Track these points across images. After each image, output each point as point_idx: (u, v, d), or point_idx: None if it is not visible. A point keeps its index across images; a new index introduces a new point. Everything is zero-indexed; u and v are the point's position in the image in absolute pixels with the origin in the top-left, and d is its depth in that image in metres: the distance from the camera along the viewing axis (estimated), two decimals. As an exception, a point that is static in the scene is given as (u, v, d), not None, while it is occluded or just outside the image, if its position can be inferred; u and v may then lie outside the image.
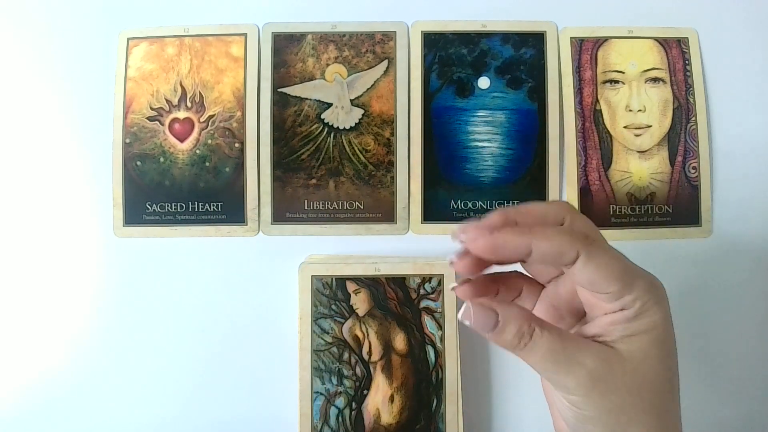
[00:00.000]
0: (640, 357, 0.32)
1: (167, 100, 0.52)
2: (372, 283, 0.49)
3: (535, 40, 0.53)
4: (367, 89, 0.52)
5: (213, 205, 0.52)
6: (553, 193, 0.52)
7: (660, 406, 0.33)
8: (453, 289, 0.35)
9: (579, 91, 0.52)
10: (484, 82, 0.52)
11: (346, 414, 0.49)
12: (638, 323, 0.33)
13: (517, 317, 0.32)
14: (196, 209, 0.52)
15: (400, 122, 0.52)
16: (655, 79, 0.52)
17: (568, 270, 0.33)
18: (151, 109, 0.52)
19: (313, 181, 0.52)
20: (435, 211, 0.52)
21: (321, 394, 0.49)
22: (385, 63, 0.52)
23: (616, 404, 0.32)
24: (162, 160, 0.52)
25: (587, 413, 0.33)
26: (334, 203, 0.52)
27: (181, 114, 0.52)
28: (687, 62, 0.53)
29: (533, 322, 0.32)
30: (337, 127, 0.52)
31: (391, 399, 0.49)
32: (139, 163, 0.52)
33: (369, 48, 0.53)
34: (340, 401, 0.49)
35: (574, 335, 0.33)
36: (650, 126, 0.52)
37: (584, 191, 0.52)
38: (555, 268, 0.36)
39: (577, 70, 0.53)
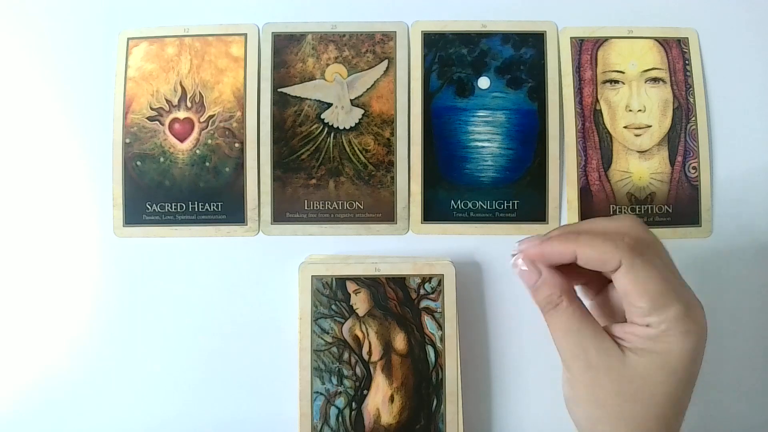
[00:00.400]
0: (642, 373, 0.35)
1: (167, 100, 0.52)
2: (372, 283, 0.49)
3: (535, 40, 0.53)
4: (367, 89, 0.52)
5: (213, 205, 0.52)
6: (553, 193, 0.52)
7: (642, 427, 0.35)
8: (515, 255, 0.38)
9: (579, 91, 0.52)
10: (484, 82, 0.53)
11: (346, 414, 0.49)
12: (655, 344, 0.35)
13: (553, 284, 0.36)
14: (196, 209, 0.52)
15: (400, 122, 0.52)
16: (655, 79, 0.52)
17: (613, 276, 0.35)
18: (151, 109, 0.52)
19: (313, 181, 0.52)
20: (435, 211, 0.52)
21: (321, 394, 0.49)
22: (385, 63, 0.52)
23: (599, 399, 0.35)
24: (162, 160, 0.52)
25: (574, 394, 0.37)
26: (334, 203, 0.52)
27: (181, 114, 0.52)
28: (687, 62, 0.53)
29: (564, 295, 0.36)
30: (337, 127, 0.52)
31: (391, 399, 0.49)
32: (139, 163, 0.52)
33: (369, 48, 0.53)
34: (340, 401, 0.49)
35: (596, 325, 0.36)
36: (650, 126, 0.52)
37: (584, 191, 0.52)
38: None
39: (577, 70, 0.53)
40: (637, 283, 0.35)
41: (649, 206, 0.52)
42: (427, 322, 0.49)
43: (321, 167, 0.52)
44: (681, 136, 0.52)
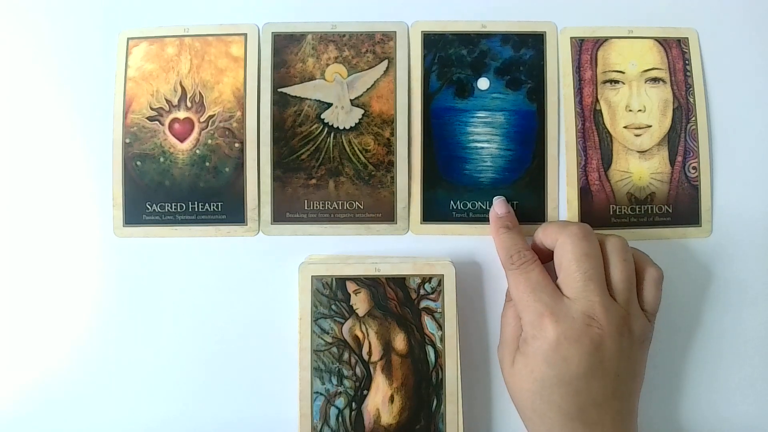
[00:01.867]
0: (517, 367, 0.45)
1: (167, 100, 0.52)
2: (372, 284, 0.49)
3: (535, 41, 0.53)
4: (367, 89, 0.52)
5: (213, 205, 0.52)
6: (552, 194, 0.52)
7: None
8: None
9: (579, 91, 0.52)
10: (483, 83, 0.53)
11: (346, 414, 0.49)
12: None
13: (523, 251, 0.46)
14: (196, 209, 0.52)
15: (400, 122, 0.52)
16: (655, 79, 0.52)
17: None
18: (151, 109, 0.52)
19: (313, 181, 0.52)
20: (434, 211, 0.52)
21: (321, 394, 0.49)
22: (385, 63, 0.52)
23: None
24: (162, 160, 0.52)
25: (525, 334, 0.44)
26: (334, 203, 0.52)
27: (181, 114, 0.52)
28: (687, 62, 0.53)
29: (529, 257, 0.46)
30: (337, 127, 0.52)
31: (391, 399, 0.49)
32: (139, 163, 0.52)
33: (369, 48, 0.53)
34: (340, 401, 0.49)
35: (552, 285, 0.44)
36: (650, 126, 0.52)
37: (584, 191, 0.52)
38: None
39: (577, 70, 0.53)
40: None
41: (649, 206, 0.52)
42: (427, 322, 0.49)
43: (321, 167, 0.52)
44: (681, 136, 0.52)
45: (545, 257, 0.47)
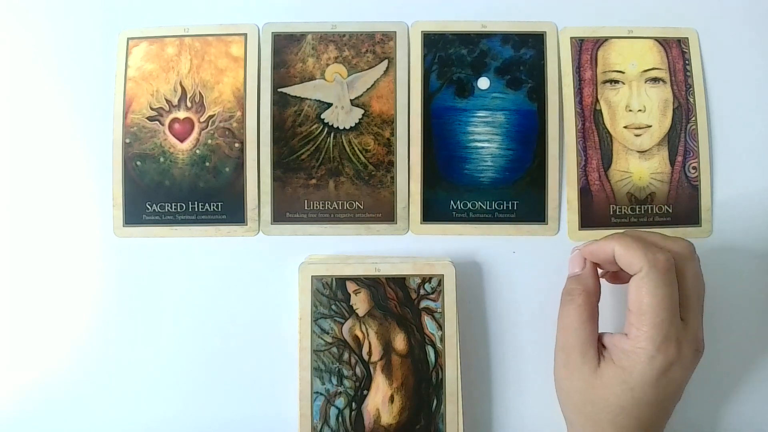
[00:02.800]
0: (605, 382, 0.40)
1: (167, 100, 0.52)
2: (372, 284, 0.49)
3: (535, 41, 0.53)
4: (367, 89, 0.52)
5: (213, 205, 0.52)
6: (552, 194, 0.52)
7: (596, 426, 0.41)
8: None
9: (579, 91, 0.52)
10: (483, 83, 0.53)
11: (346, 414, 0.49)
12: (624, 358, 0.40)
13: (579, 281, 0.43)
14: (196, 209, 0.52)
15: (400, 122, 0.52)
16: (655, 79, 0.52)
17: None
18: (151, 109, 0.52)
19: (313, 181, 0.52)
20: (434, 211, 0.52)
21: (321, 394, 0.49)
22: (385, 63, 0.52)
23: (568, 391, 0.43)
24: (162, 160, 0.52)
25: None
26: (334, 203, 0.52)
27: (181, 114, 0.52)
28: (687, 62, 0.53)
29: (583, 294, 0.43)
30: (337, 127, 0.52)
31: (391, 399, 0.49)
32: (139, 163, 0.52)
33: (369, 48, 0.53)
34: (340, 401, 0.49)
35: (592, 333, 0.42)
36: (650, 126, 0.52)
37: (584, 191, 0.52)
38: None
39: (577, 70, 0.53)
40: (639, 291, 0.39)
41: (649, 206, 0.52)
42: (427, 322, 0.49)
43: (321, 167, 0.52)
44: (681, 136, 0.52)
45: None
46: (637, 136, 0.52)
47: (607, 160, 0.52)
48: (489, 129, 0.52)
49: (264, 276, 0.51)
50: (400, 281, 0.50)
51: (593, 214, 0.51)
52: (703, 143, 0.52)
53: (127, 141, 0.52)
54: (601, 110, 0.52)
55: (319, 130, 0.52)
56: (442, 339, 0.49)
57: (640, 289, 0.39)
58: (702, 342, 0.42)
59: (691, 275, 0.41)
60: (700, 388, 0.51)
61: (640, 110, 0.52)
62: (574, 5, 0.53)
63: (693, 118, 0.52)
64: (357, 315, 0.49)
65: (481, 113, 0.52)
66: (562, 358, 0.43)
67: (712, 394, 0.51)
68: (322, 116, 0.52)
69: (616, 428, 0.41)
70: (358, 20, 0.53)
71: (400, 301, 0.49)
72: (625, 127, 0.52)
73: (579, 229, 0.51)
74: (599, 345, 0.42)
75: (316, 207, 0.52)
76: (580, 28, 0.53)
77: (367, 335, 0.49)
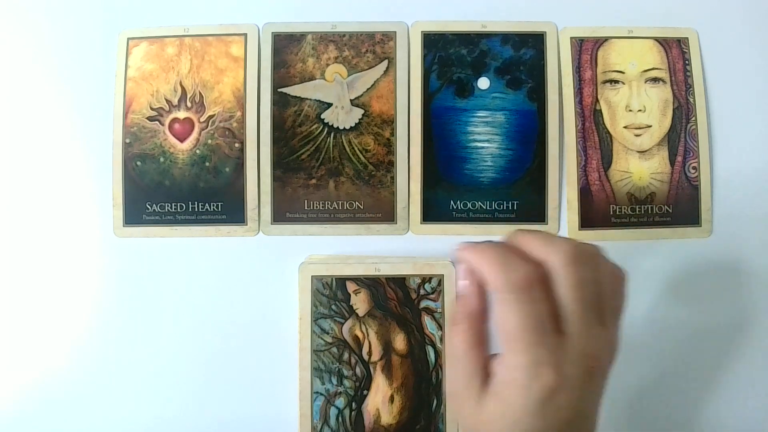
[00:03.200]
0: (489, 418, 0.35)
1: (167, 100, 0.52)
2: (372, 283, 0.49)
3: (535, 41, 0.53)
4: (367, 89, 0.52)
5: (213, 205, 0.52)
6: (552, 194, 0.52)
7: None
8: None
9: (579, 91, 0.52)
10: (483, 83, 0.53)
11: (346, 414, 0.49)
12: (502, 389, 0.34)
13: (462, 304, 0.37)
14: (196, 209, 0.52)
15: (400, 122, 0.52)
16: (655, 79, 0.52)
17: None
18: (151, 109, 0.52)
19: (313, 181, 0.52)
20: (434, 211, 0.52)
21: (321, 394, 0.49)
22: (385, 63, 0.52)
23: (460, 420, 0.40)
24: (162, 160, 0.52)
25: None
26: (334, 203, 0.52)
27: (181, 114, 0.52)
28: (687, 62, 0.53)
29: (467, 320, 0.36)
30: (337, 127, 0.52)
31: (391, 399, 0.49)
32: (139, 163, 0.52)
33: (369, 48, 0.53)
34: (340, 401, 0.49)
35: (478, 359, 0.36)
36: (650, 126, 0.52)
37: (584, 191, 0.52)
38: None
39: (577, 70, 0.53)
40: (499, 313, 0.34)
41: (649, 206, 0.52)
42: (427, 322, 0.49)
43: (321, 167, 0.52)
44: (681, 136, 0.52)
45: None
46: (637, 136, 0.52)
47: (607, 160, 0.52)
48: (489, 129, 0.52)
49: (264, 276, 0.51)
50: (400, 281, 0.50)
51: (593, 214, 0.51)
52: (703, 143, 0.52)
53: (128, 141, 0.52)
54: (601, 110, 0.52)
55: (319, 130, 0.52)
56: (442, 339, 0.49)
57: (500, 310, 0.34)
58: (599, 355, 0.35)
59: (573, 283, 0.34)
60: (700, 387, 0.51)
61: (640, 110, 0.52)
62: (574, 5, 0.53)
63: (693, 118, 0.52)
64: (357, 315, 0.49)
65: (481, 113, 0.52)
66: (449, 390, 0.39)
67: (712, 394, 0.51)
68: (322, 116, 0.52)
69: None
70: (358, 20, 0.53)
71: (400, 301, 0.49)
72: (625, 127, 0.52)
73: (579, 229, 0.51)
74: (488, 371, 0.36)
75: (316, 207, 0.52)
76: (580, 28, 0.53)
77: (367, 335, 0.49)
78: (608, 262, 0.36)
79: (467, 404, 0.36)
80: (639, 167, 0.52)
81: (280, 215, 0.52)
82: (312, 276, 0.49)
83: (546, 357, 0.33)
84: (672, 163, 0.52)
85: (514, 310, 0.33)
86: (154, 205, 0.52)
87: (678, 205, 0.52)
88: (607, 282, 0.35)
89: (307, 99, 0.52)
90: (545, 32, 0.53)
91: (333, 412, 0.49)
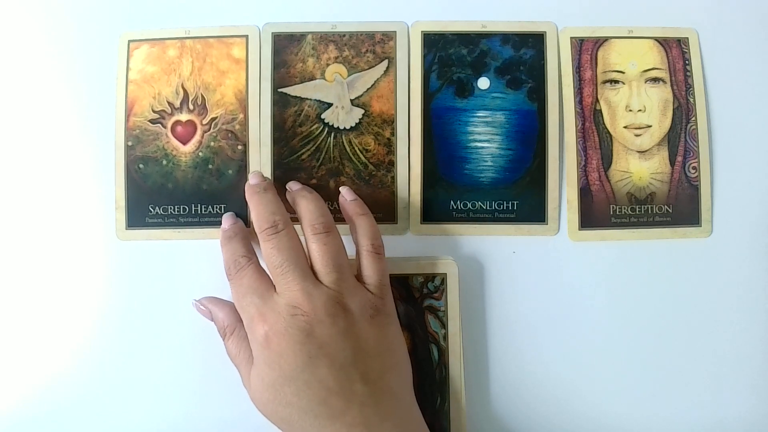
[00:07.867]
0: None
1: (169, 103, 0.52)
2: (374, 284, 0.50)
3: (535, 41, 0.53)
4: (368, 89, 0.52)
5: (216, 207, 0.52)
6: (552, 194, 0.52)
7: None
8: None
9: (579, 91, 0.52)
10: (483, 83, 0.53)
11: (349, 413, 0.49)
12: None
13: (220, 320, 0.48)
14: (199, 212, 0.52)
15: (400, 122, 0.52)
16: (655, 79, 0.53)
17: None
18: (153, 111, 0.52)
19: (314, 181, 0.52)
20: (434, 211, 0.52)
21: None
22: (385, 63, 0.53)
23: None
24: (164, 162, 0.52)
25: None
26: (335, 203, 0.52)
27: (184, 116, 0.52)
28: (687, 62, 0.53)
29: (228, 328, 0.47)
30: (338, 127, 0.52)
31: (394, 398, 0.49)
32: (141, 165, 0.52)
33: (369, 48, 0.53)
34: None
35: (248, 360, 0.46)
36: (650, 126, 0.52)
37: (584, 191, 0.52)
38: None
39: (577, 70, 0.53)
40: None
41: (649, 206, 0.52)
42: (431, 320, 0.49)
43: (321, 167, 0.52)
44: (681, 136, 0.52)
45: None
46: (637, 136, 0.52)
47: (607, 160, 0.52)
48: (489, 129, 0.52)
49: (267, 277, 0.52)
50: (402, 280, 0.50)
51: (593, 214, 0.52)
52: (703, 143, 0.52)
53: (130, 144, 0.52)
54: (601, 110, 0.52)
55: (319, 130, 0.52)
56: (445, 337, 0.49)
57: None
58: (299, 303, 0.41)
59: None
60: (700, 388, 0.51)
61: (640, 110, 0.52)
62: (574, 5, 0.53)
63: (693, 118, 0.52)
64: (360, 315, 0.50)
65: (481, 113, 0.52)
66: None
67: (712, 395, 0.51)
68: (323, 116, 0.52)
69: (285, 422, 0.42)
70: (358, 20, 0.53)
71: (403, 299, 0.50)
72: (625, 127, 0.52)
73: (579, 229, 0.52)
74: None
75: (318, 208, 0.52)
76: (580, 28, 0.53)
77: (370, 335, 0.49)
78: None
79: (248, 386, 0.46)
80: (639, 167, 0.52)
81: (283, 216, 0.52)
82: (315, 277, 0.50)
83: (253, 311, 0.43)
84: (672, 163, 0.52)
85: (234, 287, 0.45)
86: (157, 207, 0.52)
87: (678, 205, 0.52)
88: None
89: (307, 99, 0.52)
90: (545, 32, 0.53)
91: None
